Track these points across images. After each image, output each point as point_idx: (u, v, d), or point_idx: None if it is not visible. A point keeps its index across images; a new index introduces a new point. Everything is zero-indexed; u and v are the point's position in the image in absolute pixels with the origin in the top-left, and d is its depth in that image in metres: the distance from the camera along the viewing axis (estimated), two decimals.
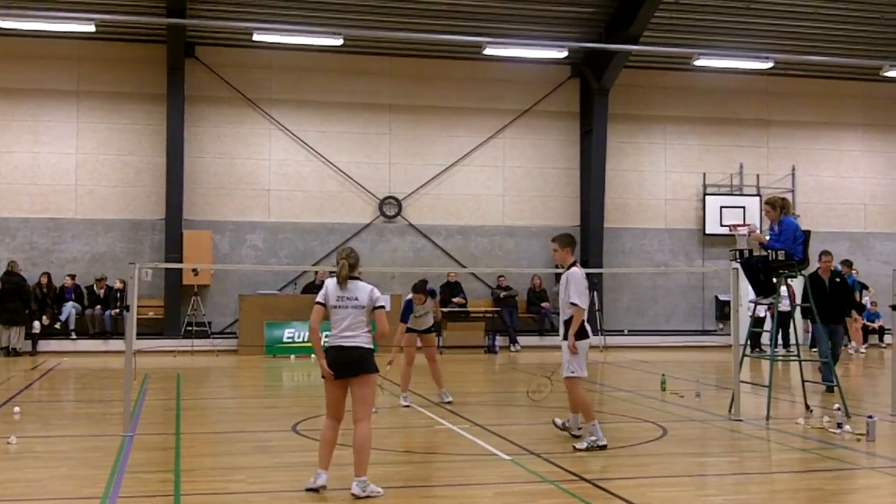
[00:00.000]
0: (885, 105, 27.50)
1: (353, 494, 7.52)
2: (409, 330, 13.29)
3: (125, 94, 23.34)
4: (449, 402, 13.27)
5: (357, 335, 7.80)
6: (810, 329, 15.32)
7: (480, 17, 23.27)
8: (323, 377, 7.89)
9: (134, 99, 23.38)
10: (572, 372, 9.99)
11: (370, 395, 7.85)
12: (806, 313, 14.70)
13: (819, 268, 15.24)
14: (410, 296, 13.36)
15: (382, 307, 7.95)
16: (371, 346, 7.86)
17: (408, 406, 12.99)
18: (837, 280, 15.36)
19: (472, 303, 24.21)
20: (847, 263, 21.02)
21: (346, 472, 7.96)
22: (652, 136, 26.29)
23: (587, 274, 10.16)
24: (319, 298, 7.96)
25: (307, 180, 24.21)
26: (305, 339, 21.41)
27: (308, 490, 7.74)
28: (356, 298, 7.84)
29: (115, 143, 23.33)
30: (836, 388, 13.33)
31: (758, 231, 13.12)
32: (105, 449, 9.61)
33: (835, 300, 15.01)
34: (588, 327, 10.07)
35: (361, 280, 8.00)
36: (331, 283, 7.96)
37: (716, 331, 26.12)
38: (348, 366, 7.76)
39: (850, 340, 22.52)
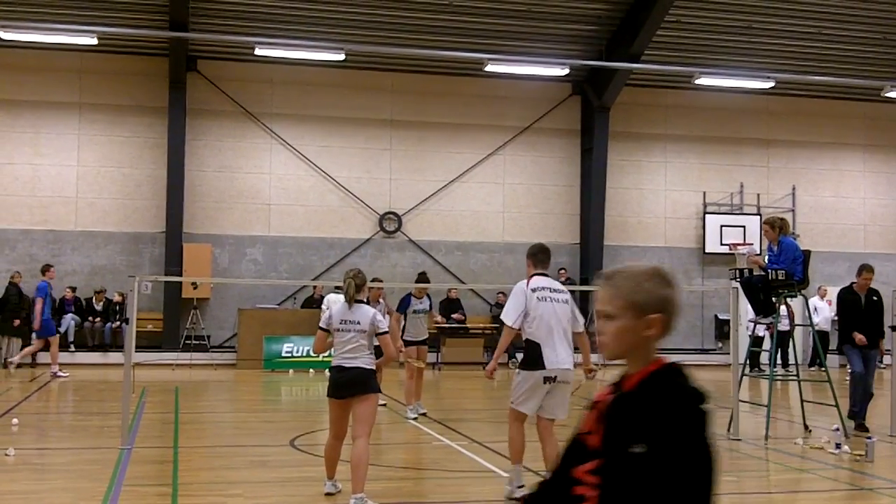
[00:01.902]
0: (886, 126, 27.52)
1: None
2: (408, 343, 13.58)
3: (126, 107, 23.37)
4: (424, 414, 13.51)
5: (358, 357, 7.91)
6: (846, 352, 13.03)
7: (482, 34, 23.33)
8: (328, 395, 8.04)
9: (135, 112, 23.39)
10: (512, 402, 8.33)
11: (370, 413, 7.90)
12: (842, 336, 13.04)
13: (855, 283, 13.12)
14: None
15: (386, 332, 8.04)
16: (372, 368, 7.98)
17: (417, 417, 13.21)
18: (874, 298, 13.09)
19: (471, 319, 24.17)
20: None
21: (346, 487, 8.02)
22: (652, 154, 26.31)
23: (579, 292, 9.91)
24: (322, 324, 8.19)
25: (307, 195, 24.22)
26: (304, 354, 21.41)
27: (327, 494, 8.13)
28: (358, 322, 7.94)
29: (116, 156, 23.34)
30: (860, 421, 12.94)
31: (756, 252, 13.11)
32: (103, 462, 9.59)
33: (870, 320, 12.91)
34: (546, 356, 8.13)
35: (365, 304, 8.12)
36: (335, 307, 8.17)
37: (715, 350, 26.07)
38: (349, 385, 7.88)
39: (882, 363, 19.32)
